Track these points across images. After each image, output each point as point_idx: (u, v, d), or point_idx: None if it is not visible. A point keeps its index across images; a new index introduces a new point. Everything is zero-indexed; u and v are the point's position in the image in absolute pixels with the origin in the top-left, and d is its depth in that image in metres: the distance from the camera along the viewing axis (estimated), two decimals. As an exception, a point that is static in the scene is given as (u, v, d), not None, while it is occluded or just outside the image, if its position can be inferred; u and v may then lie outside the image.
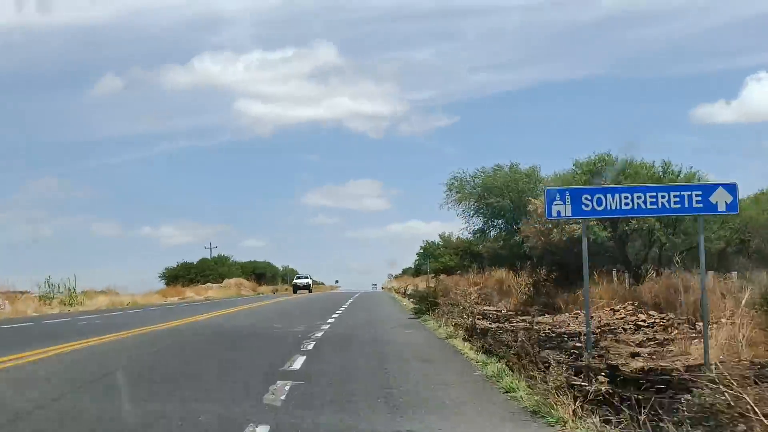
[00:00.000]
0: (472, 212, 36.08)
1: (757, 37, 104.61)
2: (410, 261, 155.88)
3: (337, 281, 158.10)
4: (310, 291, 70.01)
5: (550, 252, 26.58)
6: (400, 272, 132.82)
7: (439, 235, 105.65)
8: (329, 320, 16.93)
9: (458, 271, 65.29)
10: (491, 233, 36.89)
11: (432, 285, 50.32)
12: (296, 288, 70.58)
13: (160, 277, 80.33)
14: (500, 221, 36.21)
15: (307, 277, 77.40)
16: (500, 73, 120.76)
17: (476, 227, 36.46)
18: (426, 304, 17.30)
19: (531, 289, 27.66)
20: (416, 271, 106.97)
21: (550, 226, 24.37)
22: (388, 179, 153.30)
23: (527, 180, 34.58)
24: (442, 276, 73.81)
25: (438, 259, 73.50)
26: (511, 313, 26.48)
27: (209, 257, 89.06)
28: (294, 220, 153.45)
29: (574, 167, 24.81)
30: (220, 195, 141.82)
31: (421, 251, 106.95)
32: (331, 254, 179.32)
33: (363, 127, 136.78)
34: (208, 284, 67.20)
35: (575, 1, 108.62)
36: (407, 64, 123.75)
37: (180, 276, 76.21)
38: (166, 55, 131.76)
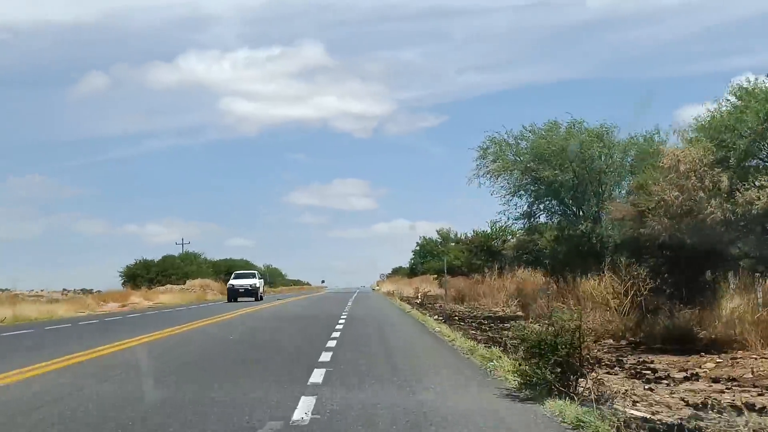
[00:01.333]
0: (514, 189, 25.44)
1: (743, 39, 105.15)
2: (397, 261, 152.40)
3: (323, 281, 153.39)
4: (258, 299, 42.87)
5: (679, 242, 16.07)
6: (390, 272, 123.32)
7: (437, 231, 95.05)
8: (297, 411, 6.33)
9: (468, 272, 54.82)
10: (540, 218, 26.17)
11: (438, 288, 39.44)
12: (233, 294, 42.94)
13: (120, 276, 69.65)
14: (554, 202, 25.56)
15: (253, 276, 47.19)
16: (488, 74, 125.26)
17: (521, 210, 25.71)
18: (554, 365, 6.47)
19: (641, 302, 16.96)
20: (411, 271, 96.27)
21: (703, 195, 13.74)
22: (375, 179, 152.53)
23: (599, 144, 23.98)
24: (446, 277, 63.22)
25: (442, 257, 62.84)
26: (612, 344, 15.86)
27: (183, 254, 78.27)
28: (280, 219, 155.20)
29: (733, 97, 14.19)
30: (206, 193, 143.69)
31: (417, 249, 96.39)
32: (317, 253, 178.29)
33: (350, 127, 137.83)
34: (169, 285, 56.36)
35: (562, 4, 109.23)
36: (395, 64, 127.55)
37: (138, 275, 65.44)
38: (152, 53, 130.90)
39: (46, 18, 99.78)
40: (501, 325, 21.05)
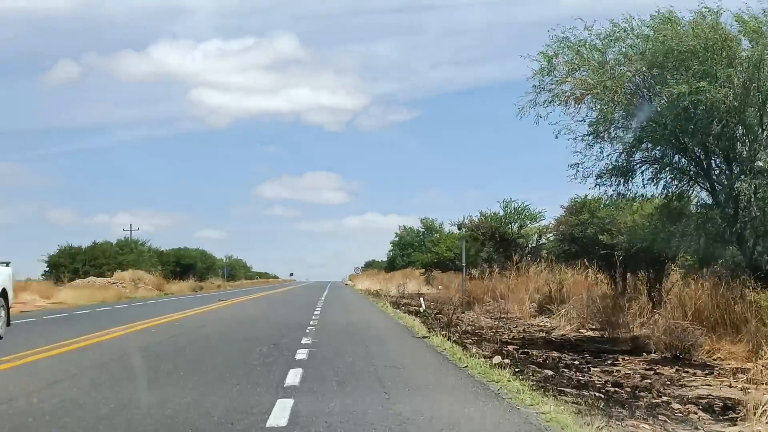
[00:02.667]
0: (603, 124, 14.72)
1: None
2: (369, 254, 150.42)
3: (291, 274, 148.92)
4: None
5: None
6: (363, 265, 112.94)
7: (420, 220, 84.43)
8: None
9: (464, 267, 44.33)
10: (643, 175, 15.25)
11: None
12: None
13: (46, 265, 58.03)
14: (670, 149, 14.82)
15: None
16: (462, 69, 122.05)
17: (608, 162, 14.90)
18: None
19: None
20: (390, 265, 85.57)
21: None
22: (347, 172, 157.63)
23: (760, 44, 13.39)
24: (435, 272, 52.66)
25: (431, 249, 52.30)
26: None
27: (122, 241, 66.60)
28: (251, 211, 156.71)
29: None
30: (177, 184, 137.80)
31: (396, 240, 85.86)
32: (288, 246, 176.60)
33: (322, 120, 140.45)
34: (92, 278, 45.12)
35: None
36: (368, 57, 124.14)
37: (62, 265, 53.94)
38: (124, 42, 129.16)
39: (18, 5, 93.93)
40: (609, 370, 10.58)
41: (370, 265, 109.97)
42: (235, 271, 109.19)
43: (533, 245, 35.31)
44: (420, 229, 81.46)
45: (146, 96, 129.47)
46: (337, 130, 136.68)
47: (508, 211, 34.61)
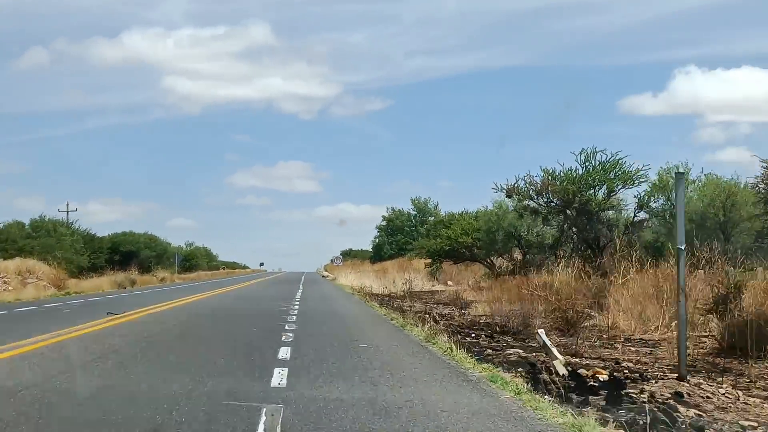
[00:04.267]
0: None
1: (687, 31, 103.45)
2: (344, 244, 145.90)
3: (262, 264, 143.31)
4: None
5: None
6: (339, 255, 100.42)
7: (412, 200, 71.48)
8: None
9: (487, 256, 31.60)
10: None
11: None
12: None
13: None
14: None
15: None
16: (436, 59, 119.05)
17: None
18: None
19: None
20: (376, 254, 72.55)
21: None
22: (319, 161, 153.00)
23: None
24: (446, 264, 39.79)
25: (440, 233, 39.28)
26: None
27: (36, 221, 52.77)
28: (223, 200, 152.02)
29: None
30: (148, 173, 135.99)
31: (383, 224, 72.88)
32: (259, 235, 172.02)
33: (294, 109, 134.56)
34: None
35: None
36: (341, 46, 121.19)
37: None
38: (95, 29, 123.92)
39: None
40: None
41: (347, 255, 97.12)
42: (195, 260, 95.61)
43: (627, 223, 22.56)
44: (411, 211, 68.70)
45: (118, 83, 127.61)
46: (309, 119, 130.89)
47: (590, 167, 21.70)
